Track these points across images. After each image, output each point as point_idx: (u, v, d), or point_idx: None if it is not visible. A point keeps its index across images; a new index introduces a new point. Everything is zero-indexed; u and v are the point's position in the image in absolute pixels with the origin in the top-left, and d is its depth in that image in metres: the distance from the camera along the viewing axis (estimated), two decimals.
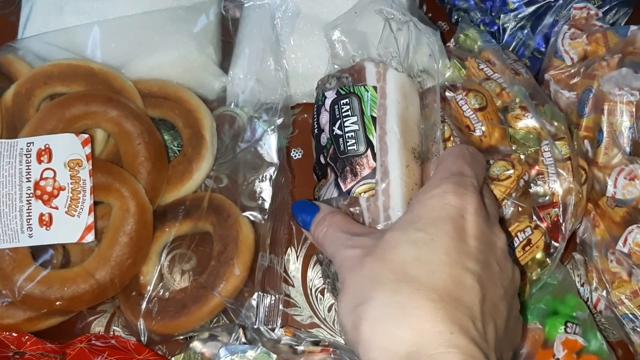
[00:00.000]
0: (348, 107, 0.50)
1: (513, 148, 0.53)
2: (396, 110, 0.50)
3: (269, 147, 0.55)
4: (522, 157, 0.53)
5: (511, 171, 0.52)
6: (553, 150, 0.52)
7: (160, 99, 0.60)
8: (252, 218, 0.54)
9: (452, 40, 0.66)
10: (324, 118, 0.51)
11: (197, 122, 0.59)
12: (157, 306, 0.53)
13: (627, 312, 0.53)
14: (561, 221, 0.51)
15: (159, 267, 0.55)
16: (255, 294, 0.50)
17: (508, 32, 0.64)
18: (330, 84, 0.52)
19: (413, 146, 0.49)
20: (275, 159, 0.55)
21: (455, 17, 0.68)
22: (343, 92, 0.51)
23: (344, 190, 0.48)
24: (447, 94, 0.59)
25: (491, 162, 0.53)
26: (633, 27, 0.59)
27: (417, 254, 0.37)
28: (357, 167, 0.48)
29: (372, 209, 0.47)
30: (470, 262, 0.37)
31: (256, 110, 0.58)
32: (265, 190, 0.54)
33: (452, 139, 0.53)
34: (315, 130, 0.52)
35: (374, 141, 0.49)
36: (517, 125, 0.54)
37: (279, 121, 0.55)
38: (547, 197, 0.52)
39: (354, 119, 0.49)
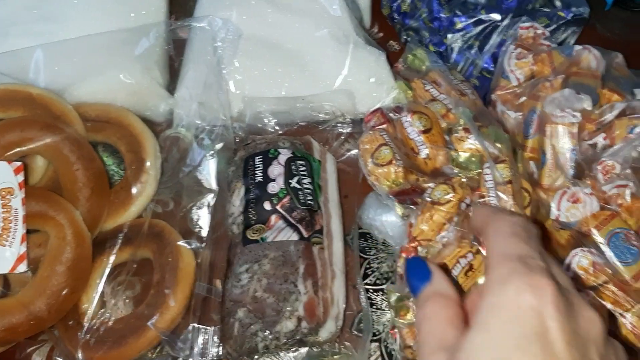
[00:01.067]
0: (305, 168, 0.57)
1: (455, 171, 0.53)
2: (334, 185, 0.60)
3: (208, 172, 0.54)
4: (465, 180, 0.52)
5: (451, 195, 0.51)
6: (494, 173, 0.51)
7: (103, 123, 0.59)
8: (188, 246, 0.52)
9: (401, 60, 0.65)
10: (277, 170, 0.56)
11: (139, 146, 0.58)
12: (96, 336, 0.52)
13: None
14: None
15: (99, 295, 0.53)
16: (190, 325, 0.48)
17: (456, 51, 0.64)
18: (284, 143, 0.59)
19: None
20: (213, 185, 0.54)
21: (405, 37, 0.68)
22: (299, 155, 0.58)
23: (305, 236, 0.54)
24: (393, 115, 0.58)
25: (432, 185, 0.52)
26: (577, 47, 0.59)
27: None
28: (313, 220, 0.55)
29: (322, 259, 0.54)
30: None
31: (199, 134, 0.57)
32: (202, 217, 0.53)
33: (393, 162, 0.53)
34: (259, 178, 0.55)
35: (321, 204, 0.57)
36: (462, 147, 0.54)
37: (219, 146, 0.55)
38: None
39: (309, 179, 0.57)
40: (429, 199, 0.52)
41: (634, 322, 0.50)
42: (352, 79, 0.62)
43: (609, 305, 0.51)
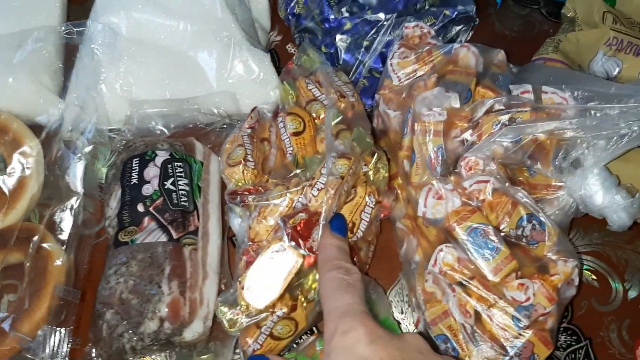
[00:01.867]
0: (182, 169, 0.57)
1: (298, 172, 0.53)
2: (216, 186, 0.60)
3: (74, 175, 0.54)
4: (304, 179, 0.53)
5: (287, 195, 0.51)
6: (329, 165, 0.51)
7: None
8: (55, 249, 0.53)
9: (295, 58, 0.65)
10: (152, 172, 0.56)
11: (20, 150, 0.58)
12: None
13: (439, 333, 0.52)
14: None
15: None
16: (43, 327, 0.49)
17: (344, 52, 0.64)
18: (163, 145, 0.59)
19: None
20: (79, 188, 0.54)
21: (299, 39, 0.68)
22: (177, 156, 0.58)
23: (175, 237, 0.53)
24: (269, 115, 0.59)
25: (272, 187, 0.53)
26: (456, 45, 0.59)
27: None
28: (187, 221, 0.55)
29: (193, 260, 0.54)
30: None
31: (77, 137, 0.57)
32: (65, 220, 0.53)
33: (242, 162, 0.54)
34: (134, 180, 0.55)
35: (199, 205, 0.56)
36: (323, 147, 0.54)
37: (88, 149, 0.55)
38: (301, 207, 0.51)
39: (186, 181, 0.57)
40: (266, 200, 0.52)
41: (498, 318, 0.50)
42: (236, 80, 0.62)
43: (473, 302, 0.51)
